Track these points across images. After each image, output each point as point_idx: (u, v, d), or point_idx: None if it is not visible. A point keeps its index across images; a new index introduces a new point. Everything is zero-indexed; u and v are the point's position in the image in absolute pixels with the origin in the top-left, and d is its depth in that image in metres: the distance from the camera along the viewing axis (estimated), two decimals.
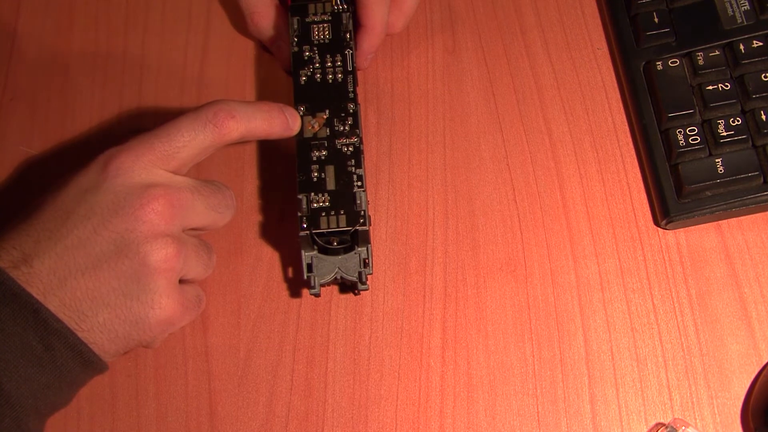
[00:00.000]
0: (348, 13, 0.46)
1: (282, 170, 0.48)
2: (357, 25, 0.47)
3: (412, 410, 0.43)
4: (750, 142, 0.45)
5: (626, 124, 0.49)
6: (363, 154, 0.43)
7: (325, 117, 0.44)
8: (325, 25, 0.46)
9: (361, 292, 0.45)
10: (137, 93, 0.51)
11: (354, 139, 0.43)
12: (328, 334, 0.45)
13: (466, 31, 0.52)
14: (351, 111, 0.44)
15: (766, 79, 0.45)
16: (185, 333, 0.45)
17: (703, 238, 0.46)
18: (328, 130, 0.44)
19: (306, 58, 0.45)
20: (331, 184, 0.42)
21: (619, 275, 0.45)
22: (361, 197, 0.42)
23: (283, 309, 0.45)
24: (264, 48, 0.51)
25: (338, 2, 0.46)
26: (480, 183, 0.48)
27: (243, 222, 0.47)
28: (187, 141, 0.39)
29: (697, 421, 0.42)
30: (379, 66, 0.51)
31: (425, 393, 0.44)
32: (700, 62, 0.47)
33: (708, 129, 0.46)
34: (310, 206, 0.42)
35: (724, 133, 0.45)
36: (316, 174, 0.42)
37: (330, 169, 0.43)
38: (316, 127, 0.44)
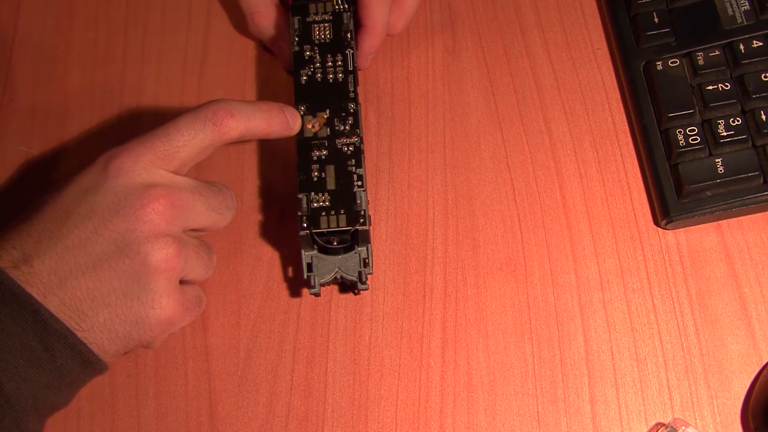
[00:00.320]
0: (349, 13, 0.46)
1: (282, 170, 0.48)
2: (358, 25, 0.47)
3: (412, 410, 0.43)
4: (750, 142, 0.45)
5: (626, 124, 0.49)
6: (363, 153, 0.43)
7: (325, 116, 0.44)
8: (326, 24, 0.46)
9: (361, 291, 0.45)
10: (137, 93, 0.51)
11: (354, 139, 0.43)
12: (328, 334, 0.45)
13: (466, 31, 0.52)
14: (351, 111, 0.44)
15: (766, 79, 0.46)
16: (185, 333, 0.45)
17: (703, 238, 0.46)
18: (328, 130, 0.44)
19: (307, 57, 0.45)
20: (331, 184, 0.42)
21: (619, 275, 0.45)
22: (361, 197, 0.42)
23: (283, 309, 0.45)
24: (264, 48, 0.51)
25: (339, 2, 0.46)
26: (480, 183, 0.48)
27: (243, 222, 0.47)
28: (187, 140, 0.39)
29: (697, 421, 0.42)
30: (379, 66, 0.51)
31: (425, 393, 0.44)
32: (700, 62, 0.47)
33: (708, 129, 0.46)
34: (310, 206, 0.42)
35: (724, 133, 0.45)
36: (316, 173, 0.42)
37: (330, 169, 0.43)
38: (317, 126, 0.44)
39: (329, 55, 0.45)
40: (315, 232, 0.41)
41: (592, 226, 0.47)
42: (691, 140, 0.45)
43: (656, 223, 0.46)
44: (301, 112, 0.44)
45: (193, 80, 0.51)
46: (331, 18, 0.46)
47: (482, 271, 0.46)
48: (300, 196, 0.42)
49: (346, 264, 0.42)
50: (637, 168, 0.48)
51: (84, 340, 0.36)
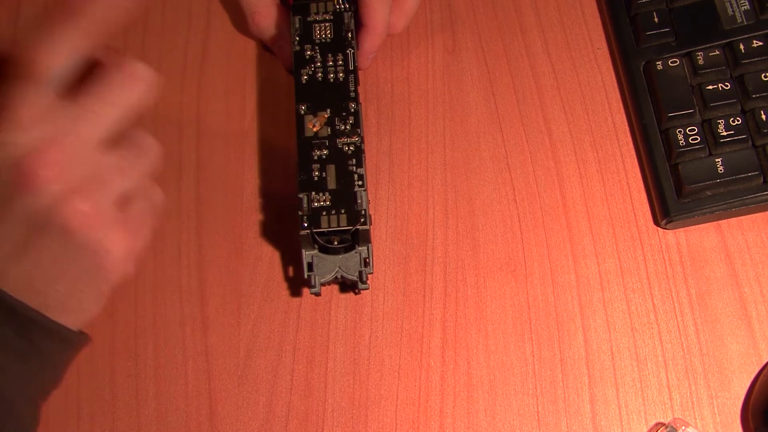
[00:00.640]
0: (350, 13, 0.46)
1: (282, 170, 0.48)
2: (358, 24, 0.47)
3: (412, 410, 0.43)
4: (750, 142, 0.45)
5: (626, 123, 0.49)
6: (364, 153, 0.43)
7: (326, 116, 0.44)
8: (327, 24, 0.46)
9: (361, 291, 0.45)
10: None
11: (355, 139, 0.43)
12: (328, 334, 0.45)
13: (466, 31, 0.52)
14: (352, 110, 0.44)
15: (766, 79, 0.46)
16: (185, 333, 0.45)
17: (703, 238, 0.46)
18: (329, 130, 0.44)
19: (307, 57, 0.45)
20: (332, 184, 0.42)
21: (619, 275, 0.45)
22: (361, 196, 0.42)
23: (283, 309, 0.45)
24: (265, 47, 0.51)
25: (340, 2, 0.46)
26: (480, 183, 0.48)
27: (243, 222, 0.47)
28: (19, 102, 0.33)
29: (697, 421, 0.42)
30: (379, 66, 0.51)
31: (425, 393, 0.44)
32: (700, 62, 0.47)
33: (708, 129, 0.46)
34: (310, 205, 0.42)
35: (724, 133, 0.45)
36: (317, 173, 0.42)
37: (331, 169, 0.43)
38: (318, 126, 0.44)
39: (330, 55, 0.45)
40: (316, 232, 0.41)
41: (592, 226, 0.47)
42: (691, 140, 0.45)
43: (656, 222, 0.46)
44: (302, 112, 0.44)
45: (193, 80, 0.51)
46: (331, 18, 0.46)
47: (482, 271, 0.46)
48: (301, 195, 0.42)
49: (346, 263, 0.42)
50: (637, 168, 0.48)
51: (58, 315, 0.35)
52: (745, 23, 0.48)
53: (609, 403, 0.43)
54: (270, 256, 0.46)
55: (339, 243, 0.42)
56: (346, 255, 0.42)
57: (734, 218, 0.46)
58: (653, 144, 0.47)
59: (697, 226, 0.46)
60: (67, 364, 0.38)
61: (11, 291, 0.35)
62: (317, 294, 0.42)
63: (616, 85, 0.50)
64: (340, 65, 0.45)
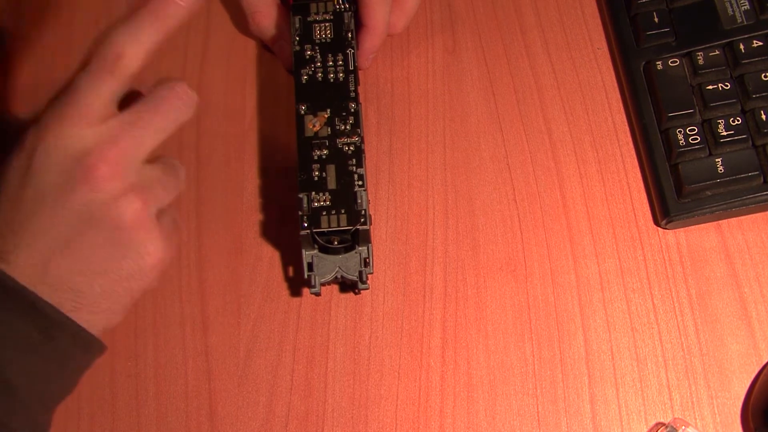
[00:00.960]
0: (350, 13, 0.46)
1: (282, 170, 0.48)
2: (358, 24, 0.47)
3: (412, 410, 0.43)
4: (750, 142, 0.45)
5: (626, 123, 0.49)
6: (364, 153, 0.43)
7: (326, 116, 0.44)
8: (327, 24, 0.46)
9: (361, 291, 0.45)
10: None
11: (355, 139, 0.43)
12: (328, 334, 0.45)
13: (466, 31, 0.52)
14: (352, 110, 0.44)
15: (766, 79, 0.46)
16: (185, 333, 0.45)
17: (703, 238, 0.46)
18: (329, 129, 0.44)
19: (307, 57, 0.45)
20: (332, 184, 0.42)
21: (619, 275, 0.45)
22: (362, 196, 0.42)
23: (283, 309, 0.45)
24: (265, 47, 0.51)
25: (340, 2, 0.46)
26: (480, 183, 0.48)
27: (243, 222, 0.47)
28: (94, 97, 0.37)
29: (697, 421, 0.42)
30: (379, 66, 0.51)
31: (425, 393, 0.44)
32: (700, 62, 0.47)
33: (708, 129, 0.46)
34: (311, 205, 0.42)
35: (724, 133, 0.45)
36: (317, 173, 0.42)
37: (331, 169, 0.43)
38: (318, 126, 0.44)
39: (330, 55, 0.45)
40: (316, 232, 0.41)
41: (592, 226, 0.47)
42: (691, 140, 0.45)
43: (656, 222, 0.46)
44: (302, 112, 0.44)
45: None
46: (331, 18, 0.46)
47: (482, 271, 0.46)
48: (301, 195, 0.42)
49: (346, 263, 0.42)
50: (637, 168, 0.48)
51: (88, 315, 0.36)
52: (745, 23, 0.48)
53: (609, 403, 0.43)
54: (270, 256, 0.46)
55: (339, 243, 0.42)
56: (346, 255, 0.42)
57: (734, 218, 0.46)
58: (653, 144, 0.47)
59: (697, 226, 0.46)
60: (83, 373, 0.39)
61: (48, 288, 0.35)
62: (317, 294, 0.42)
63: (616, 85, 0.50)
64: (340, 65, 0.45)
